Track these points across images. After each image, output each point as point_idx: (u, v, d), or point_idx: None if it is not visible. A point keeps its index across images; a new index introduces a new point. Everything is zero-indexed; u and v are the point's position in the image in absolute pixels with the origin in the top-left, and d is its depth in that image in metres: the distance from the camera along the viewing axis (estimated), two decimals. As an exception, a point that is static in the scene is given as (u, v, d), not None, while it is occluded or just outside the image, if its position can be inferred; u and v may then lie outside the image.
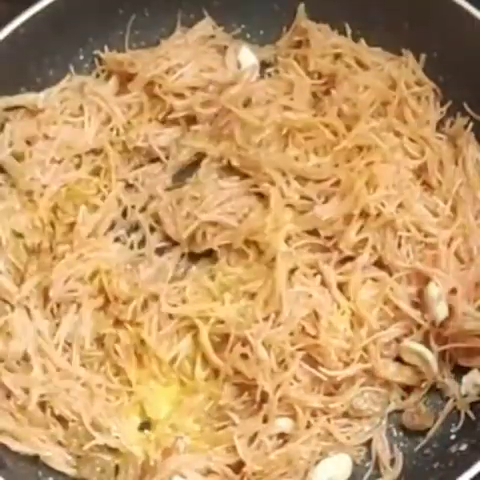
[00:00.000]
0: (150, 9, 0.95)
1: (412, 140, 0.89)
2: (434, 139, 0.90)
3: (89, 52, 0.96)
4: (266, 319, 0.82)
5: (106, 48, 0.96)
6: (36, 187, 0.88)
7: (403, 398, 0.85)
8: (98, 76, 0.96)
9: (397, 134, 0.89)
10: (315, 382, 0.83)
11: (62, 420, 0.81)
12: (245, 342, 0.82)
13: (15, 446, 0.80)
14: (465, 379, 0.85)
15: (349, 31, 0.94)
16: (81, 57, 0.96)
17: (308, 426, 0.82)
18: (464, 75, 0.90)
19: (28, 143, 0.91)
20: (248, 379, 0.82)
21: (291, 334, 0.82)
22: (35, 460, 0.81)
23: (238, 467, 0.81)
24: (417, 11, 0.91)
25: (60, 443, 0.81)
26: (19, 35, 0.89)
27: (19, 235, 0.87)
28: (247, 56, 0.94)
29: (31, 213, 0.88)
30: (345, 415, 0.83)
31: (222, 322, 0.83)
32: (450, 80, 0.92)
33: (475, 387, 0.84)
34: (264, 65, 0.96)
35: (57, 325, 0.84)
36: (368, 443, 0.84)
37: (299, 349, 0.82)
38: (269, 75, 0.95)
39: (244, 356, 0.82)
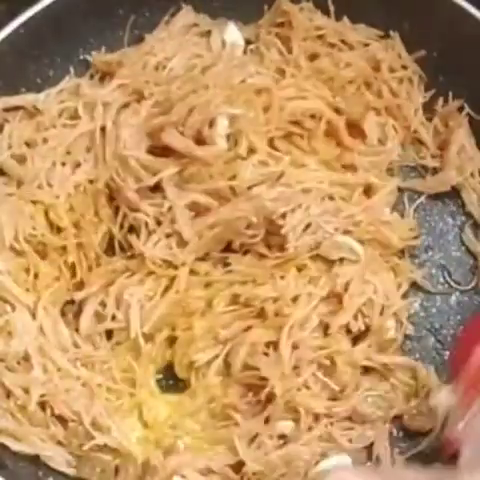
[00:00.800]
0: (150, 9, 0.95)
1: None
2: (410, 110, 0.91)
3: (89, 53, 0.95)
4: None
5: (104, 49, 0.95)
6: (43, 191, 0.88)
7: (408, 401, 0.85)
8: (92, 77, 0.95)
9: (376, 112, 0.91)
10: (323, 389, 0.83)
11: (62, 420, 0.81)
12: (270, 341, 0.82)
13: (15, 446, 0.80)
14: (433, 399, 0.84)
15: (332, 8, 0.94)
16: (81, 57, 0.95)
17: (310, 429, 0.82)
18: (464, 75, 0.90)
19: (28, 145, 0.90)
20: (257, 379, 0.81)
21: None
22: (35, 460, 0.81)
23: (238, 467, 0.80)
24: (417, 11, 0.90)
25: (60, 443, 0.81)
26: (19, 35, 0.88)
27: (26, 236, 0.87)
28: (233, 34, 0.94)
29: (38, 215, 0.87)
30: (347, 418, 0.83)
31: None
32: (450, 80, 0.92)
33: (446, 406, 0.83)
34: (247, 43, 0.96)
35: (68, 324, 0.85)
36: (369, 445, 0.84)
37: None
38: (251, 51, 0.95)
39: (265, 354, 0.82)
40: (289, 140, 0.88)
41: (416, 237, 0.89)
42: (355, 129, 0.91)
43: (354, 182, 0.88)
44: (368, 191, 0.89)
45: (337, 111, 0.90)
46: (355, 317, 0.83)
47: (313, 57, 0.93)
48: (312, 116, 0.89)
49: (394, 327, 0.85)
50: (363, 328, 0.84)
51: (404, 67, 0.93)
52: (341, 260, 0.85)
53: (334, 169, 0.88)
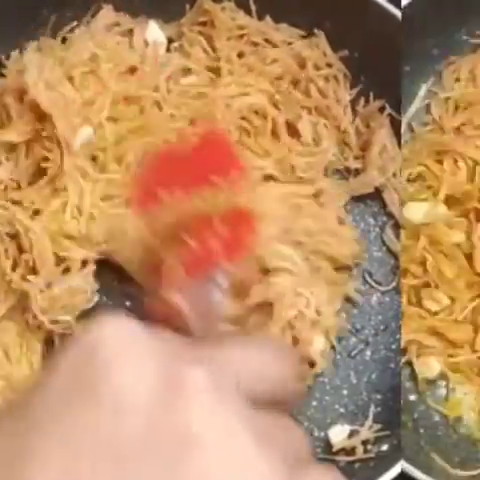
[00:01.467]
0: (72, 9, 0.93)
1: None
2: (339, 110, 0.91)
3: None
4: None
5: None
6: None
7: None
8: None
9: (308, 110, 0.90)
10: None
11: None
12: None
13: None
14: (331, 433, 0.84)
15: (253, 8, 0.93)
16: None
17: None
18: (384, 75, 0.89)
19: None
20: None
21: None
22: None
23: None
24: (338, 11, 0.90)
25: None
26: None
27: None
28: (154, 32, 0.93)
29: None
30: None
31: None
32: (371, 80, 0.92)
33: (343, 440, 0.83)
34: (170, 41, 0.94)
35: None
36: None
37: None
38: (175, 49, 0.94)
39: None
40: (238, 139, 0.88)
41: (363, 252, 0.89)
42: (290, 129, 0.90)
43: (306, 193, 0.88)
44: (317, 196, 0.89)
45: (276, 107, 0.89)
46: (283, 330, 0.82)
47: (239, 56, 0.92)
48: (256, 112, 0.89)
49: (323, 343, 0.85)
50: (289, 341, 0.82)
51: (329, 65, 0.92)
52: (277, 269, 0.84)
53: (291, 170, 0.88)
